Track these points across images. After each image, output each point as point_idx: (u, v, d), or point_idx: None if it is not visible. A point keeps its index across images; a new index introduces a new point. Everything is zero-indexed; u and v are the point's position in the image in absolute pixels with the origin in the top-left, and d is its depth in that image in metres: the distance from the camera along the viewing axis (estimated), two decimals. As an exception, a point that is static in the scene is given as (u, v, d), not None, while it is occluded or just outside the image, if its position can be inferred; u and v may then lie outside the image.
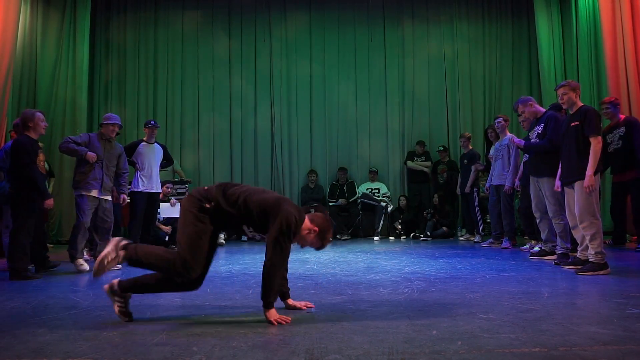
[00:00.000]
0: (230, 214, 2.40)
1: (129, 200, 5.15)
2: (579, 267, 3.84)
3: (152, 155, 5.75)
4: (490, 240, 6.21)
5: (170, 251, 2.42)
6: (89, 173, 4.43)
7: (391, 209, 7.96)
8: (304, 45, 8.77)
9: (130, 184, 5.44)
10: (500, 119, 6.07)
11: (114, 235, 4.85)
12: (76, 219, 4.42)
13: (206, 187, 2.48)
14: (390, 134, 8.66)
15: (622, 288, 3.05)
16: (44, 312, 2.64)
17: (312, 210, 2.53)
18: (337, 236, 7.75)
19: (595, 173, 3.70)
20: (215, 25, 8.72)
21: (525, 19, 8.77)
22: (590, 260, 3.73)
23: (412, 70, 8.78)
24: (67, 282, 3.78)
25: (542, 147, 4.42)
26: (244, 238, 7.37)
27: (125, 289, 2.39)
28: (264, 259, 2.34)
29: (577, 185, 3.80)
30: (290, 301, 2.65)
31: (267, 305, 2.34)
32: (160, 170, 5.93)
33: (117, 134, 4.76)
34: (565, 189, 4.01)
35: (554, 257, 4.51)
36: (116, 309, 2.38)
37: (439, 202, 7.63)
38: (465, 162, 6.95)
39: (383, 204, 7.86)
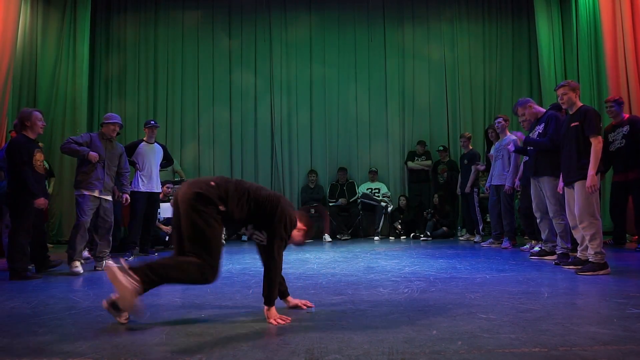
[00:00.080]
0: (239, 215, 2.36)
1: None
2: (579, 267, 3.84)
3: (152, 155, 5.76)
4: (490, 240, 6.21)
5: (188, 259, 2.20)
6: (91, 173, 4.41)
7: (391, 209, 7.96)
8: (304, 46, 8.77)
9: (130, 183, 5.44)
10: (500, 119, 6.07)
11: (113, 235, 4.87)
12: (76, 219, 4.38)
13: (212, 183, 2.32)
14: (390, 134, 8.66)
15: (622, 288, 3.05)
16: (44, 312, 2.64)
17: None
18: (337, 236, 7.75)
19: (596, 173, 3.70)
20: (215, 25, 8.72)
21: (525, 19, 8.77)
22: (590, 260, 3.73)
23: (412, 70, 8.77)
24: (67, 282, 3.78)
25: (542, 144, 4.41)
26: (244, 238, 7.37)
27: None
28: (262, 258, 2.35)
29: (577, 185, 3.80)
30: (290, 299, 2.66)
31: (271, 303, 2.35)
32: (160, 170, 5.94)
33: (118, 133, 4.76)
34: (566, 189, 4.01)
35: (554, 257, 4.51)
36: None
37: (439, 202, 7.63)
38: (466, 162, 6.95)
39: (383, 204, 7.86)
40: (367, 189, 8.19)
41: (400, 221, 7.89)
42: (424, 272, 3.92)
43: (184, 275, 2.19)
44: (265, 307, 2.35)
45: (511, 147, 5.25)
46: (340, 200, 8.03)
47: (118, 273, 2.11)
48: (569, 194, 3.97)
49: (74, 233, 4.33)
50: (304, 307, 2.62)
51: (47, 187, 5.73)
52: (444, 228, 7.52)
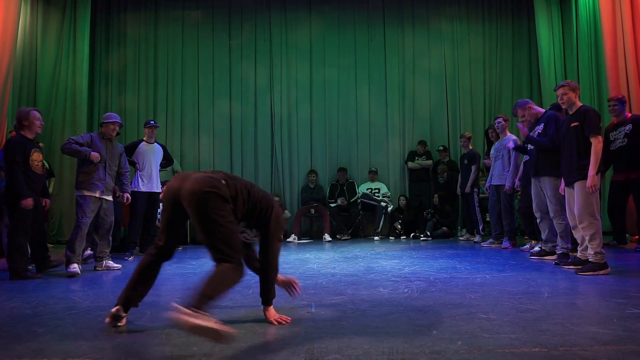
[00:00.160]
0: (240, 214, 2.28)
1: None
2: (579, 267, 3.84)
3: (152, 155, 5.76)
4: (490, 240, 6.21)
5: (222, 268, 2.04)
6: (92, 173, 4.35)
7: (391, 209, 7.96)
8: (304, 46, 8.77)
9: (130, 183, 5.43)
10: (500, 119, 6.07)
11: (113, 235, 4.85)
12: (76, 220, 4.31)
13: (224, 182, 2.16)
14: (390, 134, 8.66)
15: (622, 288, 3.05)
16: (44, 312, 2.64)
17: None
18: (337, 236, 7.75)
19: (596, 173, 3.70)
20: (215, 25, 8.72)
21: (525, 19, 8.77)
22: (590, 260, 3.73)
23: (412, 70, 8.77)
24: (67, 282, 3.78)
25: (543, 144, 4.41)
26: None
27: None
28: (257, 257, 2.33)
29: (577, 185, 3.81)
30: (280, 277, 2.56)
31: (269, 302, 2.36)
32: (160, 170, 5.94)
33: (118, 133, 4.74)
34: (566, 189, 4.02)
35: (554, 257, 4.51)
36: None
37: (439, 202, 7.63)
38: (466, 162, 6.95)
39: (383, 204, 7.86)
40: (367, 189, 8.19)
41: (400, 221, 7.89)
42: (424, 272, 3.92)
43: (229, 284, 2.04)
44: (265, 307, 2.36)
45: (511, 145, 5.26)
46: (339, 200, 8.03)
47: (192, 318, 1.78)
48: (569, 193, 3.97)
49: (74, 234, 4.25)
50: (293, 290, 2.61)
51: (47, 187, 5.73)
52: (444, 228, 7.52)
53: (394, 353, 1.81)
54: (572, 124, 3.88)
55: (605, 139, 5.39)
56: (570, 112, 3.98)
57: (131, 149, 5.68)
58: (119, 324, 2.24)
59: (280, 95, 8.64)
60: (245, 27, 8.75)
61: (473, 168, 6.78)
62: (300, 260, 4.89)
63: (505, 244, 5.89)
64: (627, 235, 5.89)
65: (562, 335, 2.01)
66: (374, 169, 8.35)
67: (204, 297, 1.90)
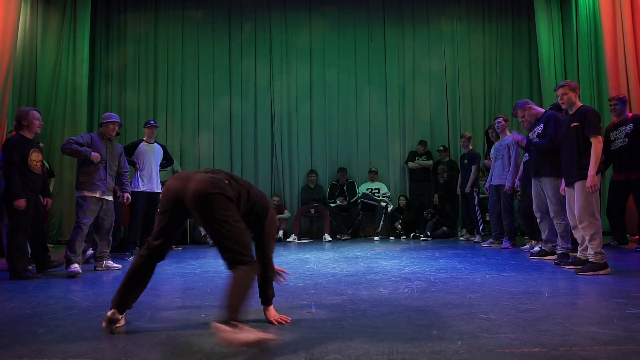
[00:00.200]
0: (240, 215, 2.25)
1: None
2: (579, 267, 3.84)
3: (152, 155, 5.76)
4: (491, 240, 6.21)
5: (241, 271, 2.00)
6: (93, 174, 4.33)
7: (391, 209, 7.97)
8: (304, 46, 8.77)
9: (130, 183, 5.43)
10: (500, 119, 6.07)
11: (113, 235, 4.85)
12: (76, 220, 4.28)
13: (227, 181, 2.15)
14: (390, 134, 8.66)
15: (622, 288, 3.05)
16: (44, 312, 2.64)
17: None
18: (337, 236, 7.75)
19: (596, 173, 3.70)
20: (215, 25, 8.72)
21: (525, 19, 8.77)
22: (590, 260, 3.73)
23: (412, 70, 8.77)
24: (67, 282, 3.78)
25: (543, 146, 4.42)
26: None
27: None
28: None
29: (577, 185, 3.81)
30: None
31: (269, 302, 2.36)
32: (160, 170, 5.94)
33: (118, 133, 4.74)
34: (566, 189, 4.02)
35: (554, 257, 4.51)
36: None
37: (439, 202, 7.63)
38: (466, 162, 6.95)
39: (383, 204, 7.86)
40: (367, 189, 8.19)
41: (400, 221, 7.89)
42: (424, 272, 3.92)
43: (250, 286, 2.02)
44: (265, 307, 2.36)
45: (522, 138, 4.94)
46: (338, 200, 8.03)
47: (235, 336, 1.79)
48: (569, 193, 3.97)
49: (74, 235, 4.23)
50: (282, 278, 2.58)
51: (48, 187, 5.73)
52: (444, 228, 7.52)
53: (394, 353, 1.81)
54: (572, 124, 3.88)
55: (605, 139, 5.39)
56: (570, 112, 3.98)
57: (131, 149, 5.68)
58: (117, 325, 2.21)
59: (281, 95, 8.64)
60: (245, 27, 8.75)
61: (473, 168, 6.78)
62: (300, 260, 4.89)
63: (505, 244, 5.89)
64: (627, 235, 5.89)
65: (562, 335, 2.01)
66: (374, 169, 8.36)
67: (234, 307, 1.90)
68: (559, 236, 4.42)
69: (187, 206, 2.12)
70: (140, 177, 5.62)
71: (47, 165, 6.37)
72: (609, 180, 5.85)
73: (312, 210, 7.98)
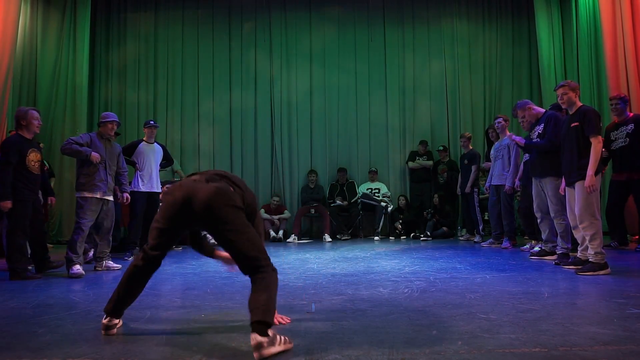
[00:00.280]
0: None
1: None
2: (579, 267, 3.84)
3: (152, 155, 5.76)
4: (491, 240, 6.21)
5: (262, 275, 1.98)
6: (94, 174, 4.30)
7: (391, 209, 7.96)
8: (304, 46, 8.77)
9: (130, 183, 5.43)
10: (500, 119, 6.07)
11: (113, 235, 4.85)
12: (76, 221, 4.25)
13: (232, 189, 2.13)
14: (390, 134, 8.66)
15: (622, 288, 3.05)
16: (44, 312, 2.64)
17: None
18: (337, 236, 7.75)
19: (596, 173, 3.70)
20: (215, 25, 8.72)
21: (525, 18, 8.77)
22: (590, 260, 3.73)
23: (412, 70, 8.77)
24: (67, 282, 3.78)
25: (542, 146, 4.42)
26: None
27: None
28: None
29: (577, 185, 3.81)
30: (221, 253, 2.48)
31: None
32: (160, 170, 5.94)
33: (117, 133, 4.73)
34: (567, 189, 4.02)
35: (554, 257, 4.51)
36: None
37: (439, 202, 7.63)
38: (466, 162, 6.95)
39: (383, 204, 7.86)
40: (367, 189, 8.19)
41: (400, 221, 7.89)
42: (424, 272, 3.92)
43: (275, 288, 2.00)
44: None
45: (520, 139, 4.98)
46: (337, 200, 8.02)
47: (271, 348, 1.80)
48: (569, 194, 3.98)
49: (75, 236, 4.21)
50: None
51: (50, 186, 5.73)
52: (444, 228, 7.52)
53: (394, 353, 1.81)
54: (572, 124, 3.88)
55: (605, 139, 5.38)
56: (570, 112, 3.98)
57: (131, 149, 5.68)
58: (115, 329, 2.19)
59: (280, 95, 8.64)
60: (245, 27, 8.75)
61: (473, 168, 6.78)
62: (300, 260, 4.89)
63: (505, 244, 5.89)
64: (627, 235, 5.89)
65: (562, 335, 2.01)
66: (374, 169, 8.35)
67: (269, 312, 1.87)
68: (559, 236, 4.42)
69: (192, 220, 2.09)
70: (140, 177, 5.62)
71: (47, 165, 6.37)
72: (609, 180, 5.84)
73: (312, 211, 7.98)
